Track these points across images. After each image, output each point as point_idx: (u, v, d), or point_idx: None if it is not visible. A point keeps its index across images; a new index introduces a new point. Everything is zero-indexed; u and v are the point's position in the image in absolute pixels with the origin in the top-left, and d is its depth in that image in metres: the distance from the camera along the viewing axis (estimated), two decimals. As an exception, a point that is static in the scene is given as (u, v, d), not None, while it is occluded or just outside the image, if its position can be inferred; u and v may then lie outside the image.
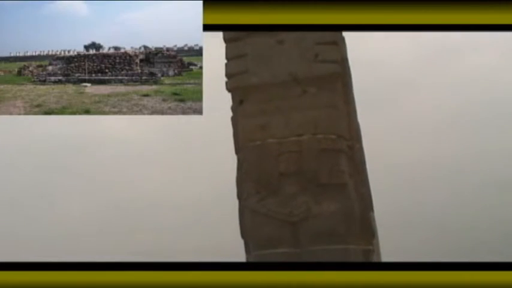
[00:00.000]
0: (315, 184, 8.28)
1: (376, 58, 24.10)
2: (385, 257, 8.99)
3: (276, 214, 8.30)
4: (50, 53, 10.03)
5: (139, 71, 9.64)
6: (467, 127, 22.71)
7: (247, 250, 8.63)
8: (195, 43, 9.34)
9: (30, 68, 9.93)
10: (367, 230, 8.50)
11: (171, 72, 9.72)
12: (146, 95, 8.81)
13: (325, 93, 8.52)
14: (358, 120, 9.06)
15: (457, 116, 23.07)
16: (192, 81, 9.16)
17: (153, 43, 9.92)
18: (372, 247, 8.55)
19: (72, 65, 9.82)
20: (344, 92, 8.82)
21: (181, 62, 9.90)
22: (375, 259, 8.56)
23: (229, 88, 8.88)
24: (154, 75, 9.61)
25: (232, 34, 8.69)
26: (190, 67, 9.84)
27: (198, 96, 8.37)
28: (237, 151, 8.89)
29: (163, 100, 8.67)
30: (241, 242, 8.70)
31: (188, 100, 8.56)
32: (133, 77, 9.56)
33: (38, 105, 8.52)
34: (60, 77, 9.65)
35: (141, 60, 9.76)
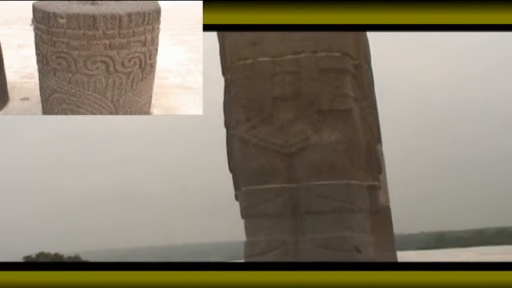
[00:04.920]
0: (315, 110, 7.20)
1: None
2: (392, 194, 7.99)
3: (269, 144, 7.26)
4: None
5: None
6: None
7: (236, 186, 7.63)
8: (195, 43, 9.36)
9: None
10: (373, 163, 7.44)
11: (171, 72, 9.73)
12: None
13: (328, 2, 7.22)
14: (367, 35, 7.88)
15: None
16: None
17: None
18: (378, 183, 7.53)
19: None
20: None
21: (181, 62, 9.93)
22: (381, 197, 7.57)
23: None
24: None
25: None
26: (190, 67, 9.87)
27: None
28: (225, 72, 7.74)
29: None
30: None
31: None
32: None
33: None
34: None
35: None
